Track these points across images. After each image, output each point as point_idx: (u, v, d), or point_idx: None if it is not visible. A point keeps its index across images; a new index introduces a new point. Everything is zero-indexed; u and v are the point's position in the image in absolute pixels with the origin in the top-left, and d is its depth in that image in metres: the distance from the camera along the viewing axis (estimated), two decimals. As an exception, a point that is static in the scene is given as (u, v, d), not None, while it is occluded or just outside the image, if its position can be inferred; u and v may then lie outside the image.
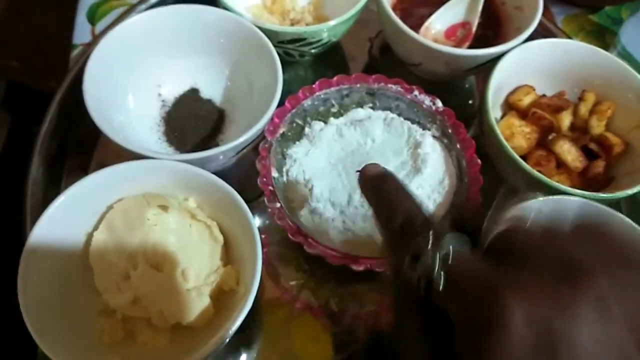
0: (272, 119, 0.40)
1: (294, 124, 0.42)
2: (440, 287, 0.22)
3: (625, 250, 0.22)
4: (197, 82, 0.48)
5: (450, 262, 0.22)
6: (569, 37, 0.52)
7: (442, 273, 0.22)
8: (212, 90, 0.48)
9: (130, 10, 0.50)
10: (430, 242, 0.23)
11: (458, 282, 0.22)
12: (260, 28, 0.43)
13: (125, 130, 0.42)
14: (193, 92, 0.47)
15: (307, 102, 0.42)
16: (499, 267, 0.21)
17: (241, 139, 0.38)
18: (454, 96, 0.55)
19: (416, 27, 0.50)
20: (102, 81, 0.41)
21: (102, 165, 0.46)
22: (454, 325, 0.21)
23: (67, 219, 0.35)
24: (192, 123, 0.46)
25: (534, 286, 0.20)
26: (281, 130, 0.41)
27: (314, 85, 0.42)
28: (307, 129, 0.42)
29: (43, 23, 1.03)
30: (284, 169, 0.41)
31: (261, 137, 0.40)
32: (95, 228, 0.36)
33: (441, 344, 0.23)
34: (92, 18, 0.54)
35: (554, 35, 0.52)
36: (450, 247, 0.23)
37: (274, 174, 0.39)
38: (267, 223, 0.44)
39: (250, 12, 0.51)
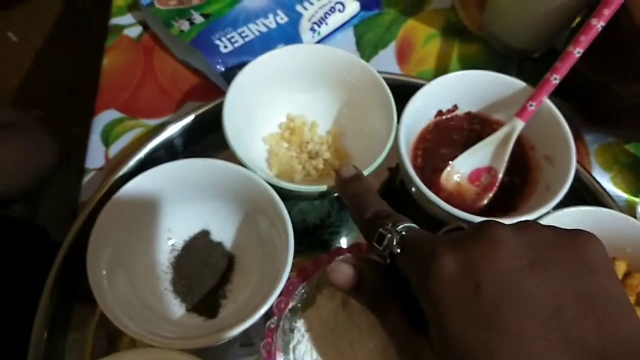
0: (282, 292, 0.39)
1: (305, 294, 0.40)
2: (398, 251, 0.31)
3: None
4: (208, 224, 0.46)
5: (404, 234, 0.31)
6: (603, 188, 0.49)
7: (398, 243, 0.31)
8: (222, 234, 0.46)
9: (144, 140, 0.49)
10: (390, 225, 0.31)
11: (409, 246, 0.30)
12: (274, 186, 0.42)
13: (130, 285, 0.41)
14: (204, 235, 0.46)
15: (318, 273, 0.40)
16: (437, 235, 0.30)
17: (247, 323, 0.37)
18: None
19: (438, 170, 0.48)
20: (108, 240, 0.40)
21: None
22: (410, 278, 0.30)
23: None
24: (201, 271, 0.44)
25: (457, 239, 0.28)
26: (291, 305, 0.39)
27: (323, 257, 0.40)
28: (318, 297, 0.41)
29: (66, 76, 1.05)
30: (291, 345, 0.39)
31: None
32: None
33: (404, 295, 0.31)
34: (106, 140, 0.53)
35: (586, 186, 0.49)
36: (404, 226, 0.31)
37: (279, 359, 0.37)
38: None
39: (267, 143, 0.50)
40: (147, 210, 0.43)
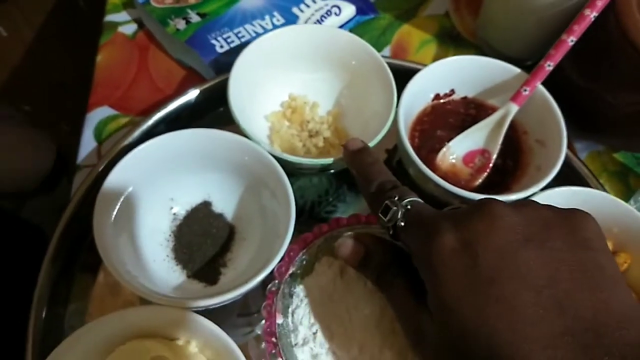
0: (282, 258, 0.40)
1: (304, 262, 0.41)
2: (402, 224, 0.32)
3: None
4: (210, 195, 0.47)
5: (409, 208, 0.32)
6: (592, 174, 0.51)
7: (403, 216, 0.32)
8: (224, 205, 0.47)
9: (131, 130, 0.49)
10: (396, 198, 0.33)
11: (413, 219, 0.32)
12: (276, 157, 0.43)
13: (133, 250, 0.42)
14: (205, 206, 0.47)
15: (318, 241, 0.41)
16: (440, 211, 0.32)
17: (249, 285, 0.38)
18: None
19: (434, 151, 0.49)
20: (114, 202, 0.41)
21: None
22: (411, 250, 0.31)
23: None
24: (202, 240, 0.45)
25: (459, 215, 0.29)
26: (291, 270, 0.40)
27: (323, 226, 0.41)
28: (316, 265, 0.42)
29: (56, 73, 1.05)
30: (290, 309, 0.40)
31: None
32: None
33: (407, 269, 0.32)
34: (99, 136, 0.53)
35: (575, 171, 0.51)
36: (410, 200, 0.33)
37: (279, 320, 0.39)
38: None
39: (269, 120, 0.51)
40: (151, 178, 0.44)
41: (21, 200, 0.97)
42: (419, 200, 0.34)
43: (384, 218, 0.34)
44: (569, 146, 0.47)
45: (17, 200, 0.97)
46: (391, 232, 0.34)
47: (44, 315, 0.44)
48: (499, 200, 0.30)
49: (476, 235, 0.28)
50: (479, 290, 0.27)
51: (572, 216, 0.29)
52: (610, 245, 0.45)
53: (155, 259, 0.44)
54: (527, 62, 0.59)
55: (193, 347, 0.38)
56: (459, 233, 0.28)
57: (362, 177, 0.38)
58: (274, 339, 0.37)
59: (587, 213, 0.30)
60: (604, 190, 0.50)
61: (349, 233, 0.39)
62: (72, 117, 0.60)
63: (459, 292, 0.27)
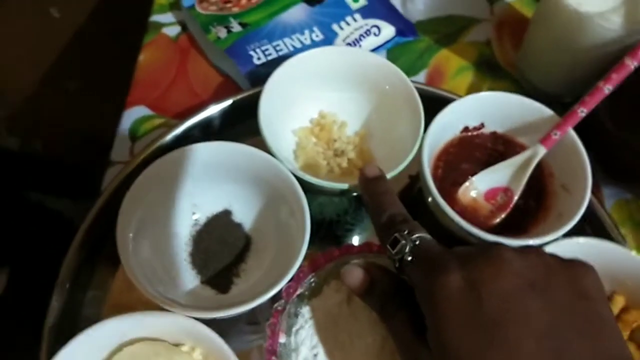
0: (292, 279, 0.41)
1: (313, 284, 0.42)
2: (409, 258, 0.33)
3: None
4: (231, 204, 0.49)
5: (417, 244, 0.33)
6: (614, 223, 0.50)
7: (411, 251, 0.33)
8: (243, 216, 0.49)
9: (164, 133, 0.51)
10: (406, 232, 0.34)
11: (421, 256, 0.33)
12: (298, 178, 0.44)
13: (151, 251, 0.44)
14: (226, 215, 0.48)
15: (329, 265, 0.42)
16: (448, 250, 0.32)
17: (258, 301, 0.39)
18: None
19: (457, 184, 0.49)
20: (139, 205, 0.43)
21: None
22: (415, 285, 0.32)
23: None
24: (219, 247, 0.47)
25: (467, 257, 0.30)
26: (299, 291, 0.41)
27: (334, 251, 0.42)
28: (325, 288, 0.43)
29: (103, 55, 1.07)
30: (294, 329, 0.41)
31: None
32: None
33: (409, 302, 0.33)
34: (134, 135, 0.55)
35: (597, 218, 0.50)
36: (419, 236, 0.33)
37: (282, 339, 0.40)
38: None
39: (297, 135, 0.52)
40: (178, 183, 0.46)
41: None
42: (428, 236, 0.34)
43: (391, 250, 0.34)
44: (595, 192, 0.46)
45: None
46: (397, 265, 0.34)
47: (64, 298, 0.46)
48: (507, 246, 0.31)
49: (482, 277, 0.29)
50: (481, 332, 0.27)
51: (574, 266, 0.30)
52: (622, 300, 0.44)
53: (172, 262, 0.46)
54: (564, 100, 0.58)
55: (197, 355, 0.39)
56: (466, 273, 0.29)
57: (374, 205, 0.39)
58: (274, 358, 0.39)
59: (587, 264, 0.31)
60: (624, 240, 0.49)
61: (357, 261, 0.39)
62: (109, 107, 0.62)
63: (460, 331, 0.28)
